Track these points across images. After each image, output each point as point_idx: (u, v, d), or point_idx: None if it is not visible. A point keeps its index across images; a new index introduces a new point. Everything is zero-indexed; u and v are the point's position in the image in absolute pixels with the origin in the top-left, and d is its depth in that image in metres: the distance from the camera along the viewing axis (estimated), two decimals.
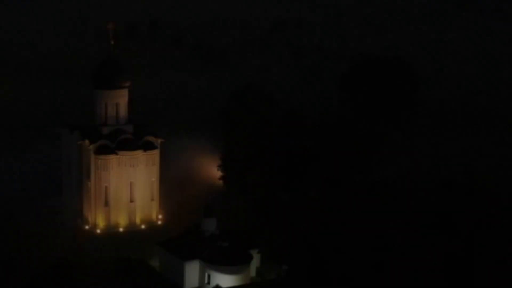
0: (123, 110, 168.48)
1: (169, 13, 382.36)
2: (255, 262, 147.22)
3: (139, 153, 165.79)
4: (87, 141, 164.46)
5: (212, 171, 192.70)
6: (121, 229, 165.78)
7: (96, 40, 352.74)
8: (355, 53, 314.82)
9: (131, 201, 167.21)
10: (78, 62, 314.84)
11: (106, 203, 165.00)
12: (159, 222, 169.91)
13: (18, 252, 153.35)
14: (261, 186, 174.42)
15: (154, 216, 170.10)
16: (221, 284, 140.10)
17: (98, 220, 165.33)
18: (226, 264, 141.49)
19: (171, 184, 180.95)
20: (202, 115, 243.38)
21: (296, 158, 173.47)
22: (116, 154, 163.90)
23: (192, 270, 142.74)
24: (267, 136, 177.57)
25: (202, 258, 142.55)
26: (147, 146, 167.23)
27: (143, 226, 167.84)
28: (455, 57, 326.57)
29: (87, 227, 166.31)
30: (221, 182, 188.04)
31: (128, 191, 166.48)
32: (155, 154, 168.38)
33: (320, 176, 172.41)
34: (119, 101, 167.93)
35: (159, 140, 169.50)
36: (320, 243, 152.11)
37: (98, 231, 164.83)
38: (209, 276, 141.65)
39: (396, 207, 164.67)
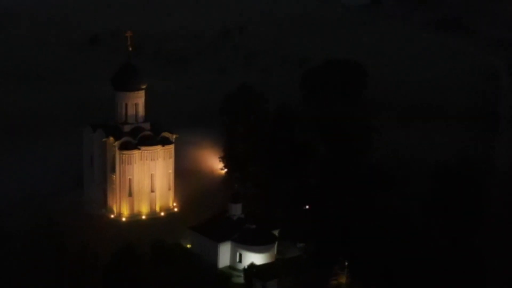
0: (141, 110, 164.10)
1: (128, 23, 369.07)
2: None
3: (158, 148, 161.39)
4: (111, 138, 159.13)
5: (213, 162, 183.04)
6: (143, 217, 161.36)
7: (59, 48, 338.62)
8: (298, 56, 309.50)
9: (152, 191, 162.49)
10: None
11: (130, 194, 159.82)
12: (175, 209, 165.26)
13: (53, 242, 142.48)
14: (261, 174, 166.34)
15: (170, 204, 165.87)
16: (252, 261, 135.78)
17: (122, 209, 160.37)
18: (256, 244, 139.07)
19: (177, 175, 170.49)
20: (180, 114, 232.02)
21: (291, 148, 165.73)
22: (139, 149, 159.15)
23: (224, 251, 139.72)
24: (264, 130, 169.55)
25: (234, 240, 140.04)
26: (165, 141, 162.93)
27: (162, 214, 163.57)
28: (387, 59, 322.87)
29: (112, 216, 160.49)
30: (222, 172, 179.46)
31: (149, 182, 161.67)
32: (171, 148, 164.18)
33: (318, 164, 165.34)
34: (138, 102, 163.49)
35: (174, 136, 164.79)
36: (326, 223, 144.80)
37: (123, 219, 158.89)
38: (240, 255, 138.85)
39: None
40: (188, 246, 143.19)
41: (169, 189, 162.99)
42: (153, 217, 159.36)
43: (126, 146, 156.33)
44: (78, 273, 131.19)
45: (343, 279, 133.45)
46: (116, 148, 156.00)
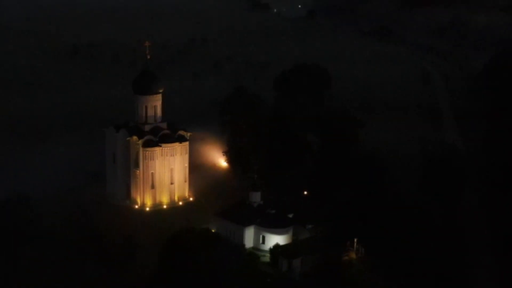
0: (159, 111, 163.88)
1: (104, 35, 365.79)
2: None
3: (176, 145, 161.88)
4: (135, 137, 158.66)
5: (216, 157, 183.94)
6: (164, 206, 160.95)
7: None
8: (259, 61, 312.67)
9: (171, 183, 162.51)
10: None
11: (153, 186, 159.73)
12: (191, 199, 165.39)
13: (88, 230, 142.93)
14: (262, 166, 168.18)
15: (186, 194, 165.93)
16: (273, 243, 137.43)
17: (146, 200, 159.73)
18: (277, 227, 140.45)
19: None
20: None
21: (287, 142, 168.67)
22: (160, 146, 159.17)
23: (249, 234, 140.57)
24: (262, 127, 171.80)
25: (257, 223, 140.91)
26: (181, 139, 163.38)
27: (180, 203, 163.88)
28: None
29: (136, 206, 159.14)
30: (225, 165, 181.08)
31: (169, 175, 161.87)
32: (187, 145, 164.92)
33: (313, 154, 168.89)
34: (156, 104, 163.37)
35: (188, 134, 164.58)
36: (332, 206, 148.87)
37: (147, 209, 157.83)
38: (263, 237, 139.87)
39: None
40: (213, 230, 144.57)
41: (185, 181, 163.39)
42: (172, 206, 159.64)
43: (149, 144, 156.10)
44: (121, 260, 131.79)
45: (353, 255, 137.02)
46: (140, 146, 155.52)
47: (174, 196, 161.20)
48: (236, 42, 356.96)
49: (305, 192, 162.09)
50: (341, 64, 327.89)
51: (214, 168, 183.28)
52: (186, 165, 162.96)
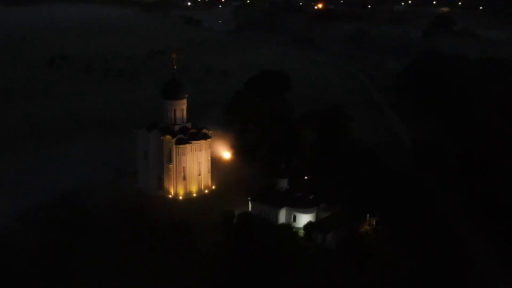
0: (185, 113, 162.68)
1: (75, 48, 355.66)
2: None
3: (202, 141, 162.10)
4: (168, 136, 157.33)
5: (222, 150, 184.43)
6: (194, 194, 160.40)
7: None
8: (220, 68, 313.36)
9: (199, 174, 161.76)
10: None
11: (184, 178, 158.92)
12: (213, 187, 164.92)
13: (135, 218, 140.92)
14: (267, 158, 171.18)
15: (209, 184, 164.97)
16: (302, 220, 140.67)
17: (178, 190, 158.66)
18: (306, 207, 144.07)
19: None
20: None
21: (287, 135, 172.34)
22: (190, 143, 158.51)
23: (282, 214, 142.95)
24: (265, 123, 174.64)
25: (289, 205, 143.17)
26: (205, 136, 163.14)
27: (206, 191, 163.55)
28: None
29: (170, 196, 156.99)
30: (228, 158, 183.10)
31: (197, 168, 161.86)
32: (209, 141, 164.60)
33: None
34: (183, 107, 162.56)
35: (210, 132, 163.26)
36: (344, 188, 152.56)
37: (180, 197, 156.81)
38: (294, 216, 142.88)
39: None
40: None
41: (208, 172, 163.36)
42: (200, 194, 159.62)
43: (181, 142, 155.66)
44: (177, 243, 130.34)
45: (367, 227, 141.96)
46: (173, 144, 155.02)
47: (201, 185, 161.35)
48: (190, 52, 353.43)
49: (305, 177, 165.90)
50: (284, 69, 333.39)
51: (220, 161, 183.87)
52: (209, 158, 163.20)
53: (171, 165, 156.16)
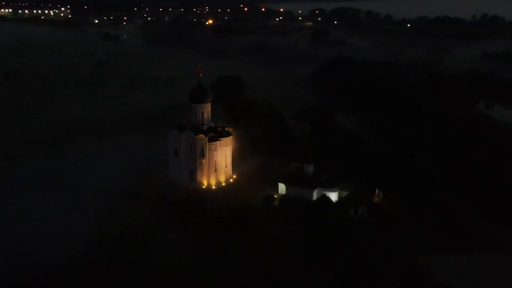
0: (210, 115, 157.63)
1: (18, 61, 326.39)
2: None
3: (227, 138, 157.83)
4: (201, 135, 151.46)
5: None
6: (223, 184, 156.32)
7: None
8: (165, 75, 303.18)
9: (226, 166, 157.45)
10: None
11: (215, 170, 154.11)
12: (234, 176, 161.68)
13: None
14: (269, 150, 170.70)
15: (231, 174, 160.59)
16: (332, 198, 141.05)
17: (211, 181, 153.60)
18: (333, 187, 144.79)
19: None
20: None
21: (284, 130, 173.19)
22: (219, 140, 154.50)
23: (315, 194, 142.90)
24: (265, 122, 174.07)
25: (320, 186, 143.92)
26: (229, 134, 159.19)
27: (231, 180, 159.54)
28: None
29: (203, 186, 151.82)
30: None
31: (225, 161, 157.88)
32: (232, 138, 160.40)
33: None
34: (208, 110, 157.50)
35: (231, 129, 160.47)
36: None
37: (213, 187, 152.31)
38: (323, 195, 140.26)
39: None
40: (275, 196, 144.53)
41: (232, 164, 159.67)
42: (228, 184, 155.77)
43: (212, 139, 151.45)
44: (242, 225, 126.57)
45: (377, 199, 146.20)
46: (206, 141, 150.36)
47: (228, 176, 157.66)
48: (130, 63, 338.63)
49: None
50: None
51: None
52: (231, 152, 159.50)
53: (204, 160, 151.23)
